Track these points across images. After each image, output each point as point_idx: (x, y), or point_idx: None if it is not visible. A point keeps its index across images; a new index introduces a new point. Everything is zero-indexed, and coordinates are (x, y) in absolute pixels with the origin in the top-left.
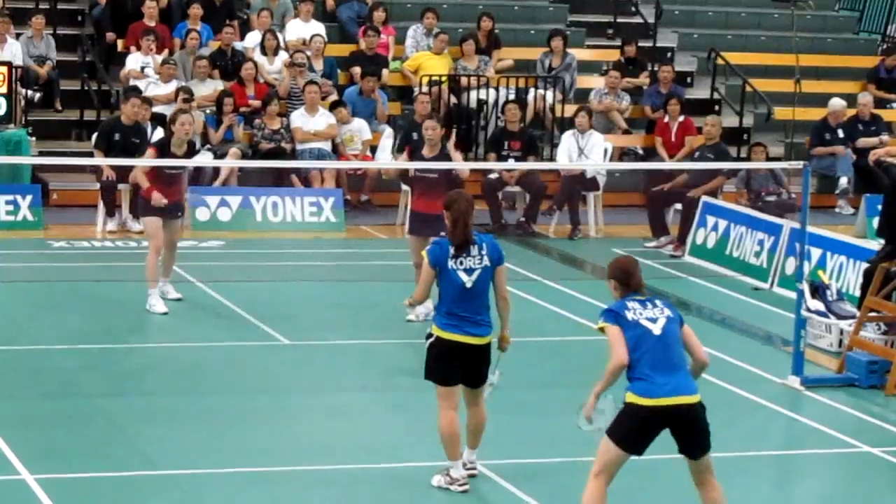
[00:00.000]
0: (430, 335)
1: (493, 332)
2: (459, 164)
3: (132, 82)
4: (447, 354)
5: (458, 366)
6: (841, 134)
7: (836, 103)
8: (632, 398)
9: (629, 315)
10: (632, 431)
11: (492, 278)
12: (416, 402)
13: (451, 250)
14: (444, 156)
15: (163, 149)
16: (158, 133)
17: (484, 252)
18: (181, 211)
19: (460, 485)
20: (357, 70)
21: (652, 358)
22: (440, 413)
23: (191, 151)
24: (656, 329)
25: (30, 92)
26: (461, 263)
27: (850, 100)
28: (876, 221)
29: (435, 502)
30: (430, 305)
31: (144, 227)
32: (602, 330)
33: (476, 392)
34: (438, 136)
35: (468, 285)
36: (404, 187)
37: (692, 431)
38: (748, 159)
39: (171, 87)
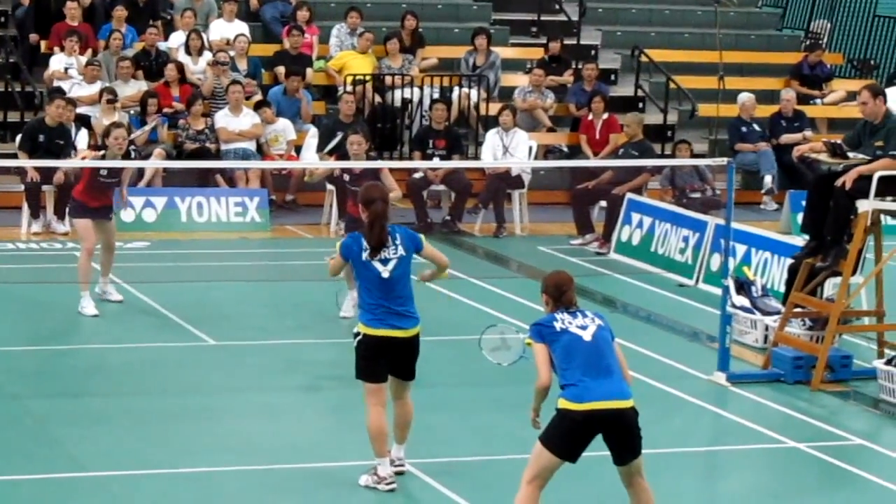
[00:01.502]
0: (357, 334)
1: (421, 324)
2: (380, 163)
3: (56, 83)
4: (374, 350)
5: (385, 362)
6: (757, 127)
7: (745, 97)
8: (564, 404)
9: (557, 325)
10: (565, 437)
11: (409, 267)
12: (344, 402)
13: (367, 248)
14: (372, 170)
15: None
16: (83, 135)
17: (398, 242)
18: (111, 213)
19: (387, 483)
20: (281, 70)
21: (583, 363)
22: (368, 410)
23: (126, 158)
24: (587, 335)
25: None
26: (376, 255)
27: (774, 96)
28: (800, 217)
29: (362, 501)
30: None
31: (76, 229)
32: (529, 345)
33: (404, 385)
34: (364, 150)
35: (385, 275)
36: (329, 187)
37: (624, 436)
38: (672, 156)
39: (96, 87)
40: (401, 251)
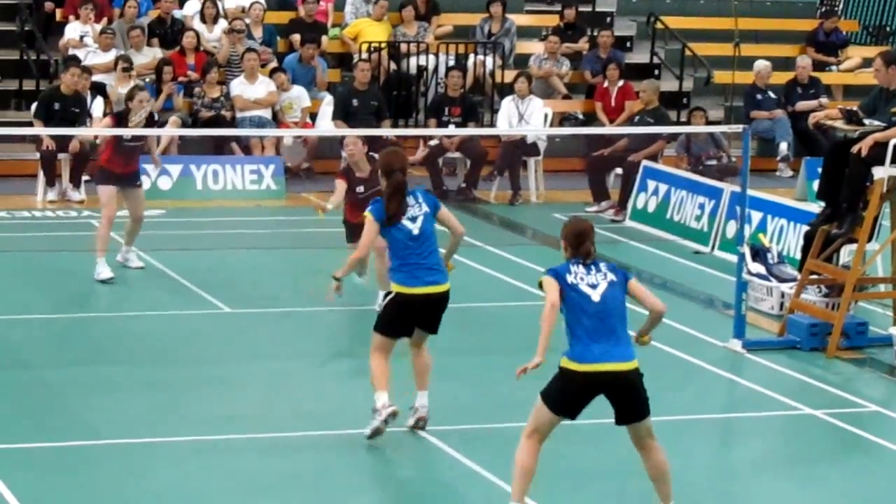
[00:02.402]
0: (388, 293)
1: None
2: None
3: (71, 52)
4: (407, 308)
5: (412, 319)
6: (772, 95)
7: (760, 64)
8: (565, 363)
9: (570, 278)
10: (564, 395)
11: (436, 223)
12: (361, 369)
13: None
14: (375, 178)
15: (120, 121)
16: (98, 103)
17: (420, 201)
18: (138, 180)
19: (386, 409)
20: (296, 37)
21: (589, 324)
22: (375, 358)
23: (149, 124)
24: (595, 296)
25: None
26: (398, 220)
27: (789, 63)
28: (816, 184)
29: (380, 468)
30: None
31: (99, 196)
32: (541, 285)
33: (426, 336)
34: (361, 150)
35: (415, 232)
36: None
37: (627, 398)
38: (688, 123)
39: (111, 56)
40: (424, 208)
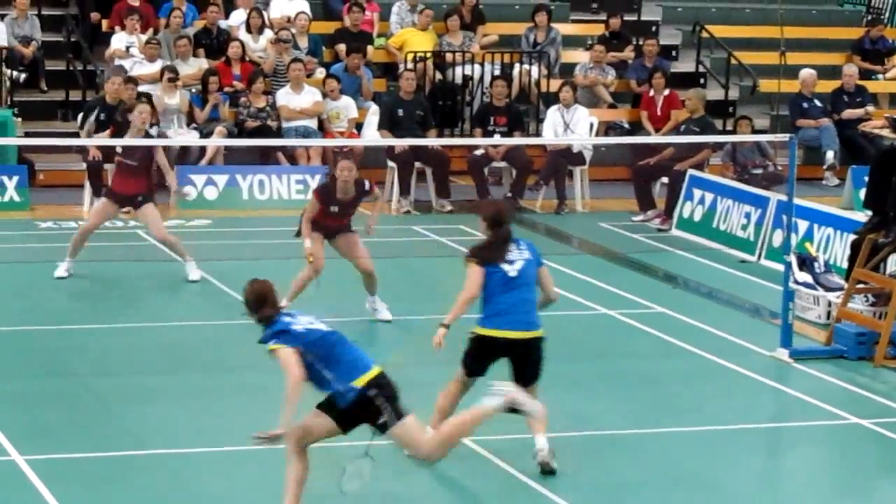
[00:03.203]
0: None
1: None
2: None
3: (117, 62)
4: (491, 350)
5: (492, 362)
6: (818, 103)
7: (806, 73)
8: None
9: None
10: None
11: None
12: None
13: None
14: (354, 203)
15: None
16: None
17: (523, 248)
18: (139, 200)
19: None
20: (342, 47)
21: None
22: (447, 386)
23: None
24: (512, 271)
25: (15, 73)
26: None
27: (835, 71)
28: (862, 193)
29: (422, 479)
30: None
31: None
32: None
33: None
34: (353, 178)
35: (511, 274)
36: (390, 164)
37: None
38: (734, 132)
39: (157, 66)
40: (526, 254)
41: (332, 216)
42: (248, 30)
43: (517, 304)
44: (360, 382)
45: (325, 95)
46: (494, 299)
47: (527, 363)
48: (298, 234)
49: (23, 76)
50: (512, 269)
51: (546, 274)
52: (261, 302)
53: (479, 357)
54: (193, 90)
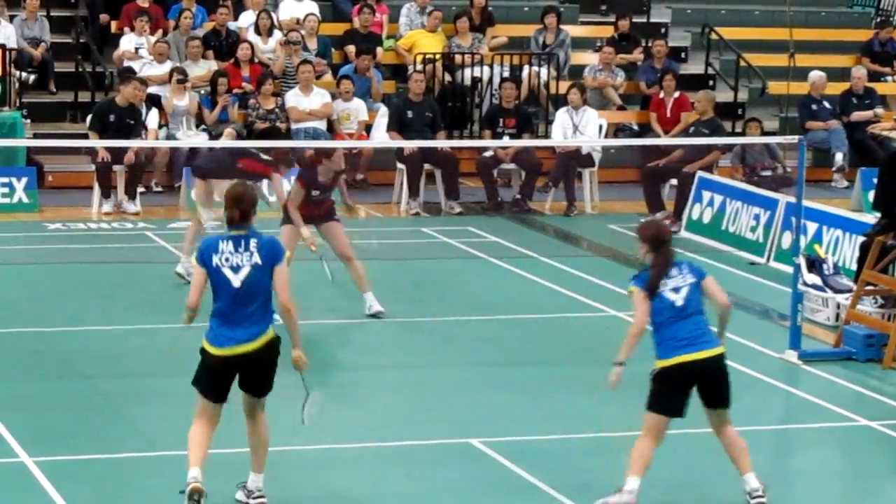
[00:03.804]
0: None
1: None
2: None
3: (126, 63)
4: (679, 378)
5: (689, 391)
6: (827, 105)
7: (815, 75)
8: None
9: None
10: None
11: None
12: (420, 380)
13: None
14: (331, 186)
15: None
16: (153, 115)
17: (685, 272)
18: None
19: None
20: (351, 49)
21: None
22: (642, 437)
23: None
24: (679, 300)
25: (24, 74)
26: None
27: (844, 73)
28: (871, 195)
29: (439, 479)
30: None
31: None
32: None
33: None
34: (338, 163)
35: (679, 304)
36: (399, 166)
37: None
38: (743, 134)
39: (166, 67)
40: (689, 279)
41: (314, 202)
42: (258, 31)
43: (693, 331)
44: None
45: (335, 97)
46: (668, 332)
47: (720, 383)
48: (285, 221)
49: (32, 78)
50: (679, 298)
51: (712, 284)
52: None
53: (672, 392)
54: (203, 92)
